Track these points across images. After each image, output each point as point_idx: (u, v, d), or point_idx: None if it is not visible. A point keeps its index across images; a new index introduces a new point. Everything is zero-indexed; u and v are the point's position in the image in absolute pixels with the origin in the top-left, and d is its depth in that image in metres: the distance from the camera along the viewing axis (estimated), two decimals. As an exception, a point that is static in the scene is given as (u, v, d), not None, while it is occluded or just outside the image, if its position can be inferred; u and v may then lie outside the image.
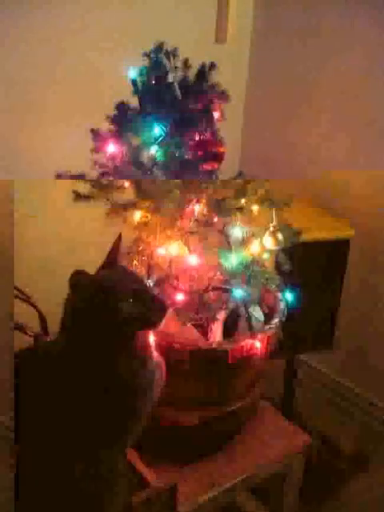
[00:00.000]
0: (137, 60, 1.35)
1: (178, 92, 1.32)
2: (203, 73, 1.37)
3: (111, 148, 1.33)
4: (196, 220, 1.28)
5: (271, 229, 1.31)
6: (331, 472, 1.92)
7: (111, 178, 1.33)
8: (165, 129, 1.27)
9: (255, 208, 1.33)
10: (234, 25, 2.10)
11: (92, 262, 1.06)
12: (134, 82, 1.36)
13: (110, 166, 1.33)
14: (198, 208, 1.29)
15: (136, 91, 1.36)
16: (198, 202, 1.28)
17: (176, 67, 1.36)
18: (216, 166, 1.31)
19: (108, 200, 1.30)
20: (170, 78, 1.33)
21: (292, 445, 1.51)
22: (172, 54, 1.35)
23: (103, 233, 1.20)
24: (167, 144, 1.27)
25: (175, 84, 1.33)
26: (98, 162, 1.33)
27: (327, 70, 2.04)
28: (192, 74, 1.38)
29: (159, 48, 1.34)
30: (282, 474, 1.54)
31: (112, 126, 1.35)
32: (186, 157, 1.29)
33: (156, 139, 1.28)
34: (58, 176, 1.32)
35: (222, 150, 1.31)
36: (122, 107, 1.34)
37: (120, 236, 1.10)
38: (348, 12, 1.92)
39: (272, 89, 2.27)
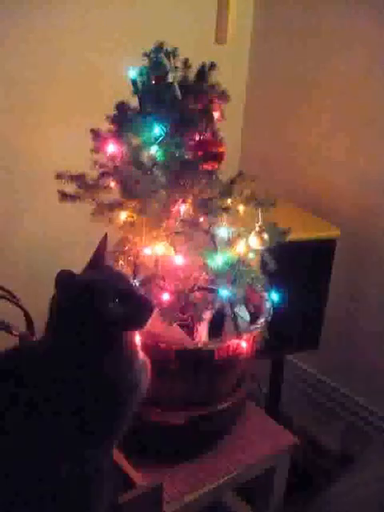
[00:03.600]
0: (137, 60, 1.35)
1: (178, 92, 1.32)
2: (203, 73, 1.37)
3: (111, 148, 1.33)
4: (182, 220, 1.29)
5: (257, 229, 1.32)
6: (317, 472, 1.93)
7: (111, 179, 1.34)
8: (165, 129, 1.27)
9: (241, 208, 1.33)
10: (234, 25, 2.10)
11: (78, 262, 1.07)
12: (134, 82, 1.35)
13: (110, 166, 1.33)
14: (183, 208, 1.29)
15: (136, 91, 1.36)
16: (183, 202, 1.29)
17: (176, 67, 1.35)
18: (216, 165, 1.31)
19: (94, 200, 1.31)
20: (170, 78, 1.33)
21: (278, 445, 1.53)
22: (172, 53, 1.35)
23: (89, 233, 1.20)
24: (167, 144, 1.27)
25: (175, 84, 1.32)
26: (97, 162, 1.33)
27: (327, 69, 2.04)
28: (192, 73, 1.38)
29: (159, 48, 1.34)
30: (267, 474, 1.55)
31: (112, 126, 1.35)
32: (186, 157, 1.29)
33: (156, 139, 1.28)
34: (58, 176, 1.32)
35: (222, 149, 1.31)
36: (122, 107, 1.34)
37: (106, 236, 1.11)
38: (348, 12, 1.92)
39: (272, 89, 2.27)
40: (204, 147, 1.30)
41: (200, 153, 1.29)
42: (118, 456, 1.20)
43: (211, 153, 1.30)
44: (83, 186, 1.32)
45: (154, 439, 1.37)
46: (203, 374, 1.33)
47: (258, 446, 1.50)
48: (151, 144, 1.29)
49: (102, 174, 1.33)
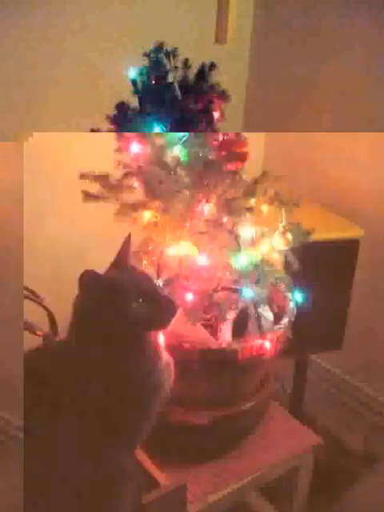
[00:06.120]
0: (137, 60, 1.36)
1: (178, 92, 1.32)
2: (203, 73, 1.37)
3: (135, 148, 1.31)
4: (205, 220, 1.28)
5: (281, 229, 1.31)
6: (340, 472, 1.92)
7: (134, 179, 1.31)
8: (165, 129, 1.27)
9: (265, 208, 1.32)
10: (234, 25, 2.10)
11: (101, 263, 1.06)
12: (134, 82, 1.36)
13: (134, 166, 1.31)
14: (207, 208, 1.28)
15: (136, 91, 1.36)
16: (207, 202, 1.28)
17: (176, 67, 1.36)
18: (240, 165, 1.29)
19: (117, 200, 1.30)
20: (170, 78, 1.34)
21: (301, 445, 1.51)
22: (172, 53, 1.35)
23: (112, 233, 1.20)
24: (191, 144, 1.25)
25: (175, 84, 1.33)
26: (121, 163, 1.31)
27: (327, 69, 2.04)
28: (192, 74, 1.38)
29: (159, 48, 1.34)
30: (291, 474, 1.54)
31: (112, 126, 1.34)
32: (210, 157, 1.28)
33: (180, 139, 1.26)
34: (82, 176, 1.30)
35: (245, 149, 1.30)
36: (122, 107, 1.34)
37: (129, 236, 1.10)
38: (348, 12, 1.92)
39: (272, 89, 2.26)
40: (227, 147, 1.28)
41: (223, 153, 1.28)
42: (142, 456, 1.20)
43: (235, 153, 1.28)
44: (107, 186, 1.30)
45: (177, 439, 1.36)
46: (227, 374, 1.32)
47: (281, 446, 1.49)
48: (175, 144, 1.27)
49: (126, 174, 1.32)
